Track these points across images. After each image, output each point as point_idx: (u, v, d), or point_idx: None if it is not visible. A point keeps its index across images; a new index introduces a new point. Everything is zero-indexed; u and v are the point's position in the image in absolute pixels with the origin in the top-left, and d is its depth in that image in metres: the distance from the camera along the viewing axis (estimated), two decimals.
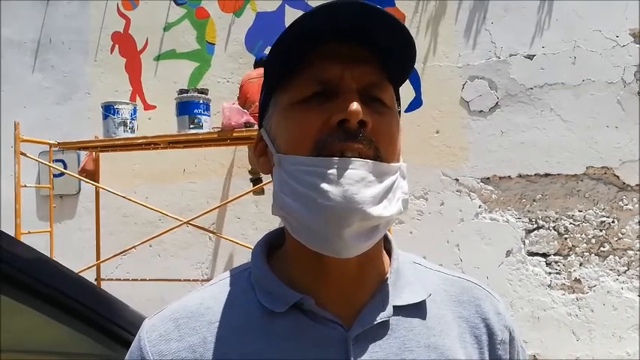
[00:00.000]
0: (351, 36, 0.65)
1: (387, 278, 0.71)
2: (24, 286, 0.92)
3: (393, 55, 0.66)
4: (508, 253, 4.11)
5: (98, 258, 4.33)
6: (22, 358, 1.14)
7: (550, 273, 4.03)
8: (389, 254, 0.75)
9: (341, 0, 0.62)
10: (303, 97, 0.65)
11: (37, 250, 0.99)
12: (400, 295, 0.70)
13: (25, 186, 4.01)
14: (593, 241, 3.95)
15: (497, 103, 4.14)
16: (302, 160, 0.64)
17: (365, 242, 0.64)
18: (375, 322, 0.67)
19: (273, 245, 0.75)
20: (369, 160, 0.63)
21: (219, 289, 0.72)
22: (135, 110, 4.08)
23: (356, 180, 0.61)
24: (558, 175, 4.02)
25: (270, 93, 0.71)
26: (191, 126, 3.82)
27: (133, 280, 4.36)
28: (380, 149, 0.64)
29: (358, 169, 0.62)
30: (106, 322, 1.00)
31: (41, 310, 0.98)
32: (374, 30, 0.64)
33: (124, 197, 4.03)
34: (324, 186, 0.61)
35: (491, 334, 0.73)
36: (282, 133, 0.67)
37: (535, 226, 4.07)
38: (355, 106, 0.62)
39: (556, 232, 4.03)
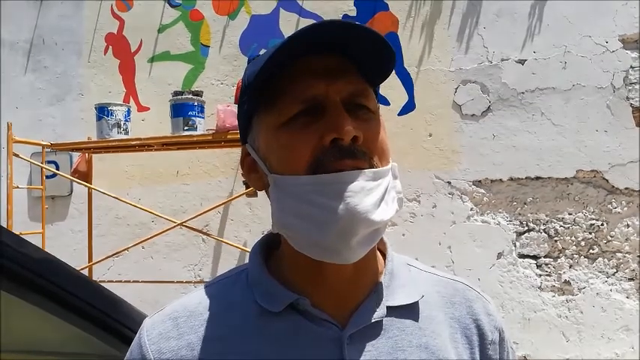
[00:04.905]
0: (327, 49, 0.67)
1: (382, 280, 0.73)
2: (32, 286, 0.93)
3: (371, 64, 0.68)
4: (499, 255, 4.15)
5: (90, 260, 4.31)
6: (24, 358, 1.14)
7: (540, 275, 4.07)
8: (383, 256, 0.77)
9: (317, 23, 0.64)
10: (289, 116, 0.66)
11: (43, 250, 1.00)
12: (394, 296, 0.72)
13: (18, 187, 3.99)
14: (583, 243, 4.00)
15: (489, 107, 4.18)
16: (300, 180, 0.65)
17: (369, 246, 0.67)
18: (369, 322, 0.69)
19: (271, 246, 0.77)
20: (363, 170, 0.64)
21: (218, 289, 0.74)
22: (129, 112, 4.08)
23: (356, 191, 0.63)
24: (549, 178, 4.07)
25: (250, 111, 0.71)
26: (185, 128, 3.82)
27: (125, 281, 4.33)
28: (373, 159, 0.67)
29: (357, 180, 0.63)
30: (112, 322, 1.01)
31: (47, 309, 0.98)
32: (349, 44, 0.66)
33: (116, 199, 4.02)
34: (327, 202, 0.63)
35: (481, 334, 0.75)
36: (274, 154, 0.68)
37: (526, 228, 4.12)
38: (348, 125, 0.64)
39: (546, 235, 4.07)
